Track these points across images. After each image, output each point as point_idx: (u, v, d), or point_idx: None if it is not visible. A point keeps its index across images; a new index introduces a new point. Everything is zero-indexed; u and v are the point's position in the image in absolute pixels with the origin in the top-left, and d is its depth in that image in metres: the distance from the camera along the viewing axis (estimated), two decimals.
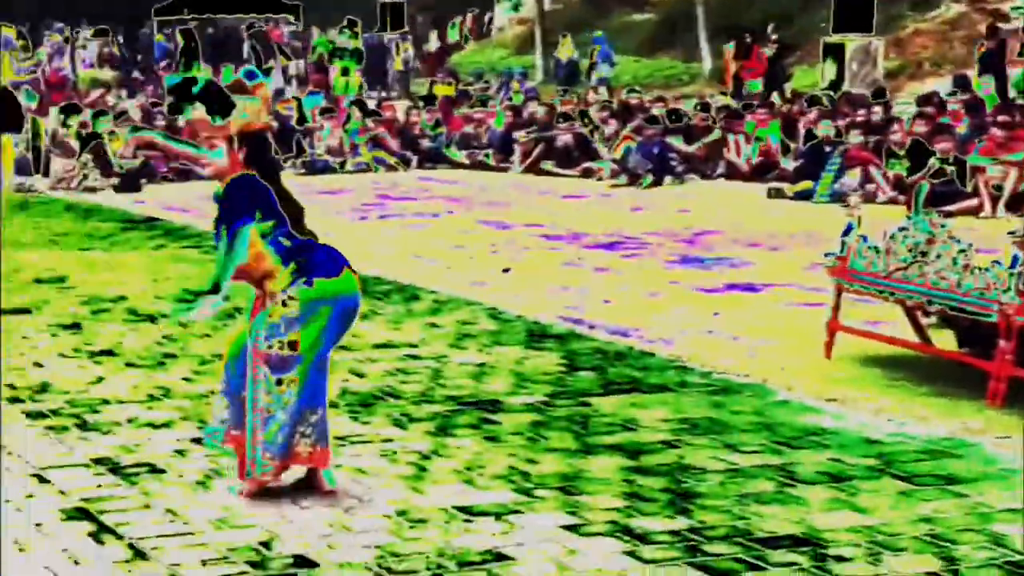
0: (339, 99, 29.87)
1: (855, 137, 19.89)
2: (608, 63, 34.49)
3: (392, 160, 24.20)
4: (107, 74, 39.12)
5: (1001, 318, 8.18)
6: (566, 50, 35.85)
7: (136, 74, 40.71)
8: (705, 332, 10.39)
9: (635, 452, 7.32)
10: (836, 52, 29.46)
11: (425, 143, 25.08)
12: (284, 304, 6.36)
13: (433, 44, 45.21)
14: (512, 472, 6.99)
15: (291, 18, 43.93)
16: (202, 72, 35.18)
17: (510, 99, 29.89)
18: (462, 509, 6.42)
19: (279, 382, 6.41)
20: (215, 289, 6.19)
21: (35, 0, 46.82)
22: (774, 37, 31.26)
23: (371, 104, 28.20)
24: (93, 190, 20.50)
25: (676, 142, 22.37)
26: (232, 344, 6.63)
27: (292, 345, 6.37)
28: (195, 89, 6.34)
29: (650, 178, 21.03)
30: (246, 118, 6.38)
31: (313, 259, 6.40)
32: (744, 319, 10.84)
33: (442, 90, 31.12)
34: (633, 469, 7.03)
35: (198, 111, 6.35)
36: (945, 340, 9.27)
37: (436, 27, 45.64)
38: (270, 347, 6.38)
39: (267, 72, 31.27)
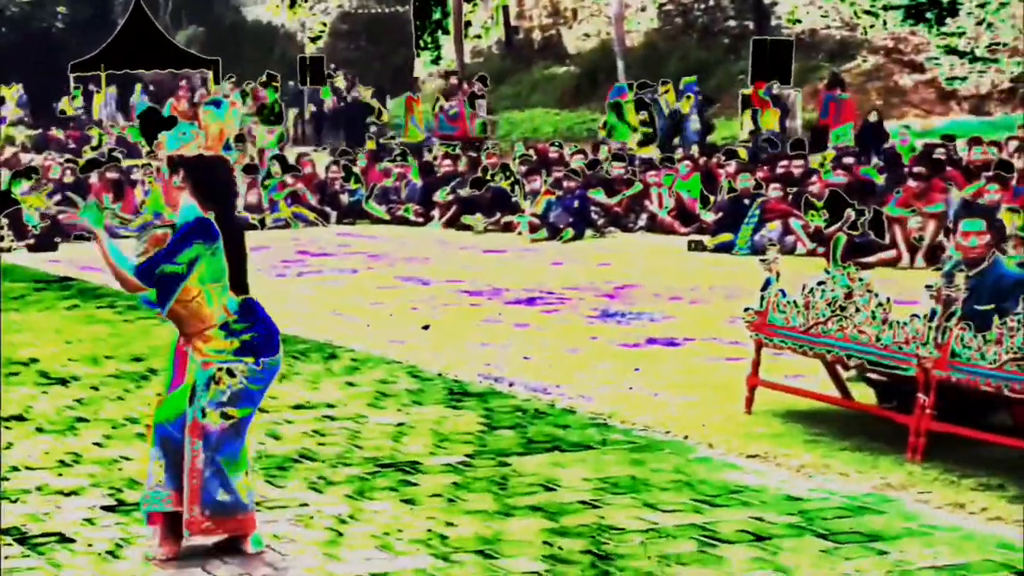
0: (262, 153, 29.70)
1: (774, 190, 19.99)
2: (700, 114, 30.86)
3: (311, 216, 24.06)
4: (21, 132, 38.73)
5: (920, 372, 8.16)
6: (668, 97, 31.25)
7: (52, 130, 40.32)
8: (626, 388, 10.32)
9: (555, 513, 7.23)
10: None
11: (344, 198, 24.96)
12: (229, 374, 6.26)
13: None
14: (431, 536, 6.87)
15: (208, 73, 43.75)
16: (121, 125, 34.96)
17: (430, 152, 29.82)
18: None
19: (211, 449, 6.30)
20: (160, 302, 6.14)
21: None
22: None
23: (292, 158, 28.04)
24: (6, 250, 20.23)
25: (597, 195, 22.40)
26: (163, 408, 6.47)
27: (229, 418, 6.29)
28: (137, 114, 6.39)
29: (571, 232, 21.03)
30: (179, 143, 6.28)
31: (257, 338, 6.32)
32: (665, 374, 10.78)
33: (369, 145, 31.00)
34: (553, 531, 6.93)
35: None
36: (865, 394, 9.25)
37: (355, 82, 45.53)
38: (218, 418, 6.29)
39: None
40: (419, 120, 34.34)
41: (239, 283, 6.39)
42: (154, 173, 6.46)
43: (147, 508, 6.53)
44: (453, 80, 36.85)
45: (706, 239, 19.96)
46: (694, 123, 30.07)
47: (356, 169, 26.10)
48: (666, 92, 30.47)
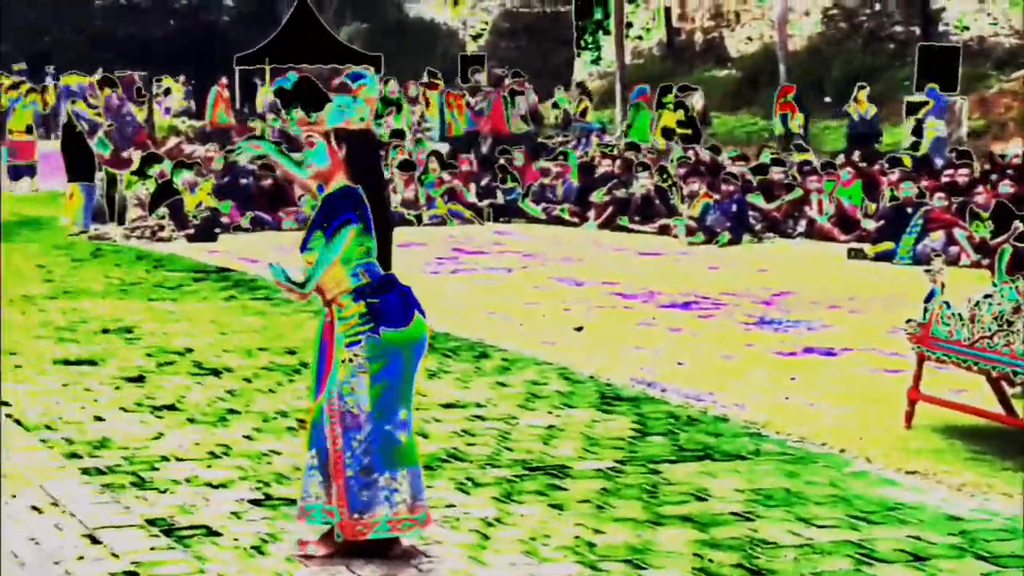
0: (416, 153, 29.77)
1: (938, 200, 19.56)
2: (941, 119, 29.22)
3: (467, 213, 24.07)
4: (185, 123, 39.31)
5: None
6: (861, 106, 30.41)
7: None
8: (781, 397, 10.10)
9: (706, 524, 7.06)
10: (920, 111, 29.06)
11: (501, 196, 24.93)
12: (351, 360, 6.16)
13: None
14: (578, 543, 6.74)
15: (371, 69, 44.02)
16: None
17: (587, 153, 29.66)
18: None
19: (353, 440, 6.19)
20: (303, 284, 6.02)
21: (113, 48, 47.35)
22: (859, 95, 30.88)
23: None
24: (167, 240, 20.48)
25: (755, 200, 22.11)
26: (315, 411, 6.39)
27: (360, 403, 6.16)
28: (288, 85, 6.23)
29: (728, 236, 20.77)
30: (343, 116, 6.20)
31: (385, 304, 6.16)
32: (822, 385, 10.53)
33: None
34: (704, 542, 6.76)
35: (299, 111, 6.21)
36: None
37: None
38: (344, 405, 6.18)
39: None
40: (459, 115, 34.17)
41: (383, 258, 6.28)
42: (304, 144, 6.27)
43: (310, 520, 6.44)
44: (478, 77, 36.75)
45: (866, 247, 19.58)
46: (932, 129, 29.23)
47: (512, 168, 26.04)
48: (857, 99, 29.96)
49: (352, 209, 6.08)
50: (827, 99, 30.21)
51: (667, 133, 31.00)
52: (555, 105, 37.63)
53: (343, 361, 6.18)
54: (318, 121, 6.20)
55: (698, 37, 42.14)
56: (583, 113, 35.68)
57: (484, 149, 30.68)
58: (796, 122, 31.29)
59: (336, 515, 6.28)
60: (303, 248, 6.20)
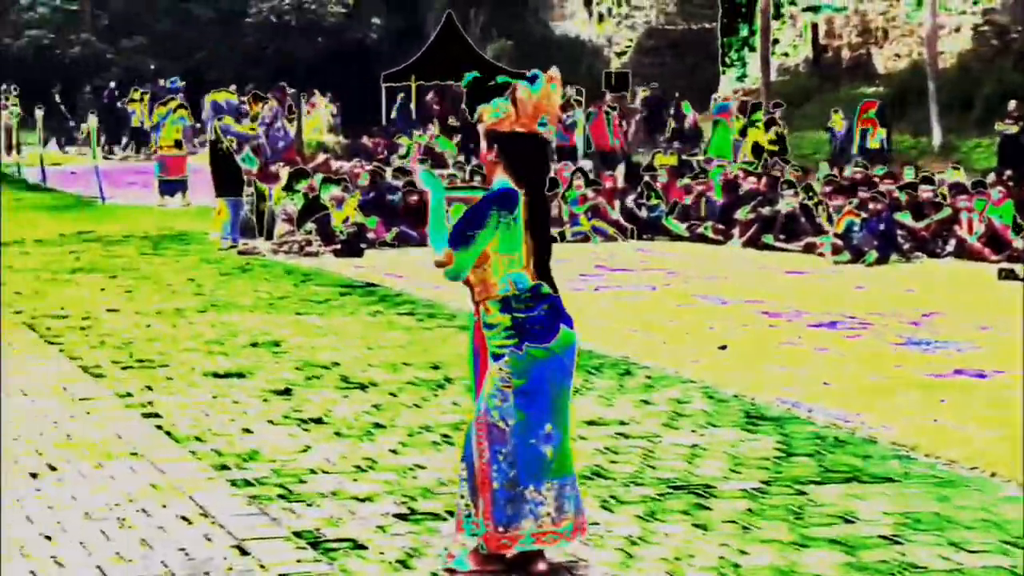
0: (559, 169, 29.81)
1: None
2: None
3: (611, 230, 24.03)
4: (332, 138, 39.75)
5: None
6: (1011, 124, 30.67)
7: (364, 139, 41.32)
8: (931, 419, 9.94)
9: (854, 547, 6.96)
10: None
11: (644, 214, 24.86)
12: (496, 373, 6.17)
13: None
14: (723, 563, 6.69)
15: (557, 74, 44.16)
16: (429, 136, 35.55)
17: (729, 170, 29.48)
18: None
19: (499, 454, 6.20)
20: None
21: (263, 65, 48.02)
22: (1014, 112, 30.47)
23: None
24: (314, 255, 20.70)
25: (904, 218, 21.81)
26: (468, 426, 6.43)
27: (506, 417, 6.17)
28: (463, 84, 6.33)
29: (875, 255, 20.50)
30: (495, 117, 6.23)
31: (531, 320, 6.17)
32: (972, 407, 10.34)
33: (663, 160, 30.89)
34: (852, 566, 6.68)
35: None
36: None
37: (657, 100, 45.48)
38: (490, 418, 6.20)
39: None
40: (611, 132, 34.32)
41: (541, 267, 6.28)
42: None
43: (463, 534, 6.45)
44: (570, 92, 36.83)
45: (1018, 268, 19.20)
46: None
47: (656, 185, 25.96)
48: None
49: (496, 205, 6.13)
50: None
51: (757, 150, 30.80)
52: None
53: (491, 375, 6.20)
54: (477, 121, 6.30)
55: (845, 54, 41.70)
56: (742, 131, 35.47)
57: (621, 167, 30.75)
58: (877, 138, 31.07)
59: (481, 527, 6.29)
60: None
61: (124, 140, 46.57)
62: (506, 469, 6.21)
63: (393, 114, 43.57)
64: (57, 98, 47.73)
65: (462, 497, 6.38)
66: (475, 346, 6.35)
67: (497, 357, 6.17)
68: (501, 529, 6.24)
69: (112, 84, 48.30)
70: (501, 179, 6.24)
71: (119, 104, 46.79)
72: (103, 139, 43.04)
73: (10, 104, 43.83)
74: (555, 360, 6.20)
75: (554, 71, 6.39)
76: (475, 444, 6.26)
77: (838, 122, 34.90)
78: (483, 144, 6.32)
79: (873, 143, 31.76)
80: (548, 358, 6.17)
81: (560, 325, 6.23)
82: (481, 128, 6.32)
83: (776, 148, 31.39)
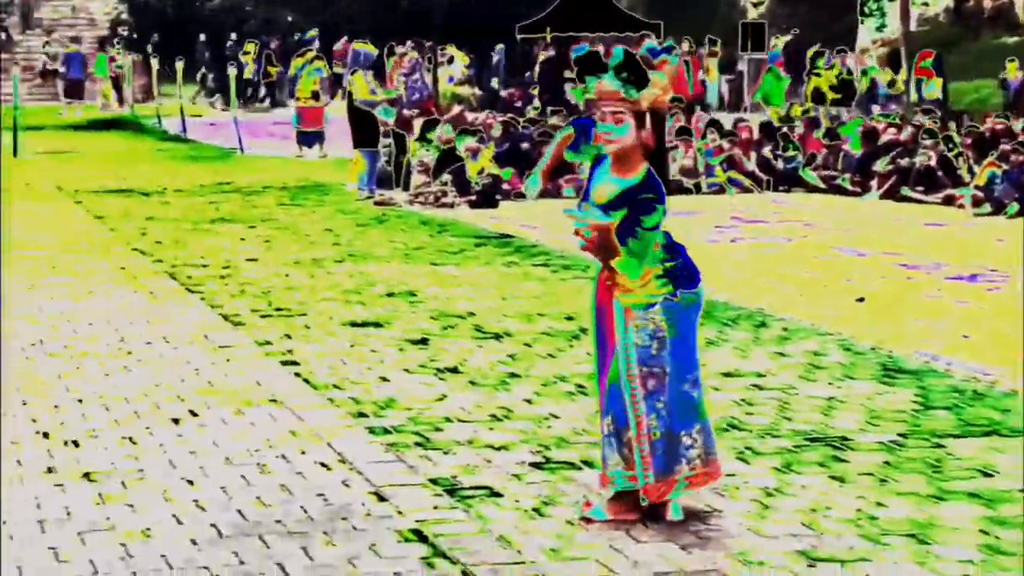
0: (695, 120, 29.64)
1: None
2: None
3: (747, 182, 23.85)
4: (467, 90, 39.84)
5: None
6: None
7: (501, 90, 41.43)
8: None
9: (992, 500, 6.88)
10: None
11: (780, 165, 24.64)
12: (648, 324, 6.18)
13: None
14: (860, 516, 6.65)
15: (652, 35, 44.00)
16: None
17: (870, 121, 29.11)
18: (804, 554, 6.12)
19: (657, 403, 6.22)
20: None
21: (398, 17, 48.16)
22: None
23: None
24: (450, 206, 20.79)
25: None
26: (608, 377, 6.42)
27: (664, 364, 6.20)
28: (612, 61, 6.18)
29: (1016, 207, 20.13)
30: (656, 93, 6.19)
31: (680, 267, 6.19)
32: None
33: (798, 111, 30.58)
34: (991, 519, 6.60)
35: (606, 83, 6.16)
36: None
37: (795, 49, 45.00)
38: (644, 369, 6.21)
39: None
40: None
41: None
42: (602, 118, 6.22)
43: (612, 487, 6.47)
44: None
45: None
46: None
47: (793, 136, 25.72)
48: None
49: (659, 202, 6.11)
50: None
51: (818, 96, 30.26)
52: (864, 73, 36.98)
53: (637, 326, 6.20)
54: (637, 99, 6.15)
55: (986, 3, 40.93)
56: (891, 83, 34.97)
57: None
58: (931, 87, 30.49)
59: (640, 480, 6.32)
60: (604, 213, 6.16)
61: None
62: (665, 417, 6.25)
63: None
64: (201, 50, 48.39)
65: (612, 452, 6.39)
66: (598, 302, 6.37)
67: (648, 307, 6.17)
68: (661, 478, 6.29)
69: (233, 36, 48.79)
70: (636, 157, 6.16)
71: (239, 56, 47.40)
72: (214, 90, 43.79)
73: (118, 56, 44.59)
74: (699, 305, 6.29)
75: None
76: (628, 397, 6.27)
77: (1012, 71, 33.97)
78: (632, 123, 6.16)
79: (928, 92, 31.22)
80: (695, 303, 6.25)
81: (698, 271, 6.29)
82: (628, 106, 6.14)
83: (839, 95, 30.88)
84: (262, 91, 45.88)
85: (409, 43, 41.19)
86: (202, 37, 48.93)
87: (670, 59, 6.60)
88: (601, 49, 6.45)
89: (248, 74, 45.86)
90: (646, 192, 6.11)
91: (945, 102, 32.23)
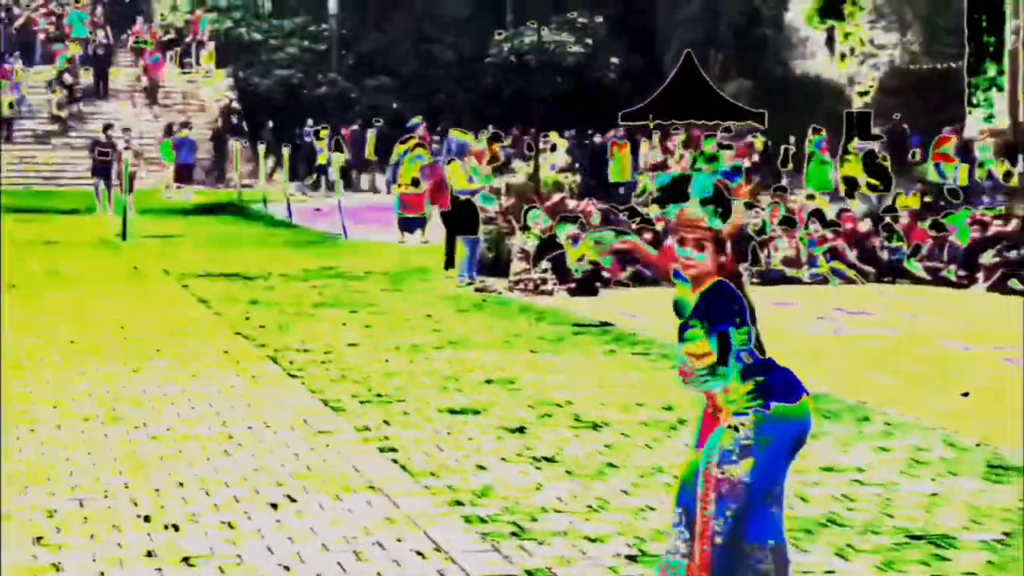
0: (798, 210, 29.51)
1: None
2: None
3: (850, 272, 23.68)
4: (568, 178, 39.98)
5: None
6: None
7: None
8: None
9: None
10: None
11: (884, 256, 24.45)
12: (736, 429, 6.09)
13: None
14: None
15: (757, 125, 43.98)
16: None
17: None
18: None
19: (726, 510, 6.12)
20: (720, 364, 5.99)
21: (502, 104, 48.58)
22: None
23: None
24: (549, 293, 20.81)
25: None
26: (686, 469, 6.36)
27: (742, 475, 6.08)
28: (698, 193, 6.13)
29: None
30: (737, 221, 6.17)
31: (772, 381, 6.10)
32: None
33: (905, 202, 30.39)
34: None
35: (693, 210, 6.14)
36: None
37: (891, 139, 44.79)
38: (722, 473, 6.12)
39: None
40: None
41: (759, 347, 6.21)
42: (681, 242, 6.19)
43: (669, 573, 6.40)
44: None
45: None
46: None
47: (898, 227, 25.54)
48: None
49: (735, 315, 6.04)
50: None
51: (851, 183, 29.92)
52: (980, 164, 36.70)
53: (730, 427, 6.12)
54: (721, 229, 6.13)
55: None
56: (1006, 176, 34.64)
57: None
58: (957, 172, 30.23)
59: None
60: (681, 338, 6.15)
61: (312, 177, 48.05)
62: (732, 523, 6.11)
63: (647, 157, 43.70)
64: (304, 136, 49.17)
65: (675, 543, 6.30)
66: (705, 414, 6.30)
67: (740, 415, 6.09)
68: None
69: (310, 122, 49.58)
70: (712, 280, 6.16)
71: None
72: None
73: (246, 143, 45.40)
74: (797, 422, 6.10)
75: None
76: (700, 495, 6.18)
77: None
78: (727, 247, 6.16)
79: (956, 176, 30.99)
80: (792, 418, 6.07)
81: (802, 391, 6.14)
82: (709, 234, 6.15)
83: (877, 182, 30.60)
84: (331, 176, 46.70)
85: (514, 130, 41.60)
86: (309, 123, 49.65)
87: (742, 183, 6.68)
88: (685, 174, 6.37)
89: (323, 160, 46.59)
90: (721, 302, 6.06)
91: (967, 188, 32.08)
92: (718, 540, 6.08)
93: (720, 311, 5.99)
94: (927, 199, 29.61)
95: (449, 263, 23.42)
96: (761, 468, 6.04)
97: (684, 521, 6.25)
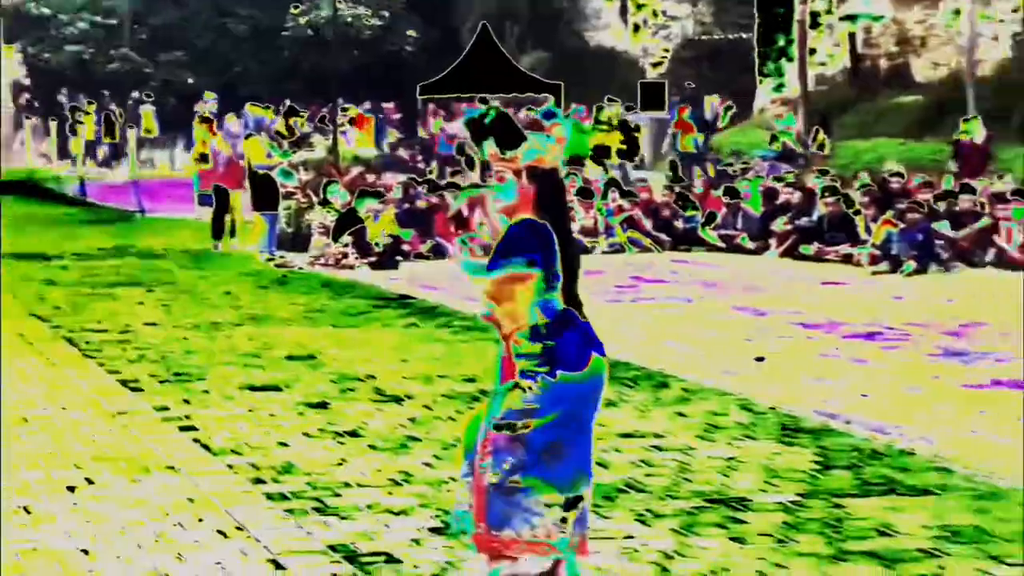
0: (594, 180, 29.78)
1: None
2: None
3: (646, 242, 24.00)
4: (369, 152, 39.83)
5: None
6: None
7: (400, 151, 41.45)
8: (969, 431, 9.88)
9: (892, 560, 6.91)
10: None
11: (680, 225, 24.81)
12: (524, 389, 6.12)
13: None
14: None
15: (551, 97, 44.26)
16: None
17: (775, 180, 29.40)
18: None
19: (503, 463, 6.14)
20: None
21: (300, 78, 48.21)
22: None
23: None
24: (350, 267, 20.74)
25: (942, 228, 21.70)
26: (469, 427, 6.40)
27: (521, 432, 6.11)
28: (487, 120, 6.17)
29: (913, 265, 20.41)
30: (536, 155, 6.17)
31: (561, 347, 6.13)
32: (1011, 419, 10.27)
33: (700, 173, 30.84)
34: None
35: (491, 145, 6.18)
36: None
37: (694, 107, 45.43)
38: (503, 429, 6.15)
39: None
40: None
41: (568, 293, 6.23)
42: (494, 179, 6.23)
43: (456, 526, 6.43)
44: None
45: None
46: None
47: (692, 195, 25.93)
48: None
49: (537, 248, 6.05)
50: None
51: (602, 151, 30.49)
52: (774, 138, 37.17)
53: (517, 386, 6.15)
54: (512, 158, 6.16)
55: (883, 63, 41.55)
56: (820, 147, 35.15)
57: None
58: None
59: (471, 526, 6.25)
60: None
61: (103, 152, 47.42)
62: (507, 473, 6.14)
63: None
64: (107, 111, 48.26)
65: (462, 493, 6.34)
66: (502, 374, 6.31)
67: (529, 376, 6.12)
68: (494, 532, 6.17)
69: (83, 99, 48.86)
70: (524, 214, 6.18)
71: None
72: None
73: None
74: (584, 386, 6.14)
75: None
76: (479, 444, 6.21)
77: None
78: (522, 181, 6.19)
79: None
80: (578, 384, 6.12)
81: (591, 352, 6.16)
82: (508, 165, 6.19)
83: (625, 148, 31.24)
84: (104, 151, 46.03)
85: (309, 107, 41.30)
86: (83, 100, 48.76)
87: (562, 123, 6.62)
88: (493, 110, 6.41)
89: (90, 135, 45.93)
90: (523, 233, 6.09)
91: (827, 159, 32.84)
92: (492, 490, 6.12)
93: (515, 245, 6.04)
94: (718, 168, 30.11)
95: (217, 234, 23.45)
96: (543, 429, 6.08)
97: (469, 471, 6.29)
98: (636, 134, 33.34)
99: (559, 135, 6.20)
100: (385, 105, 46.13)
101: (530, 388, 6.07)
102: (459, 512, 6.36)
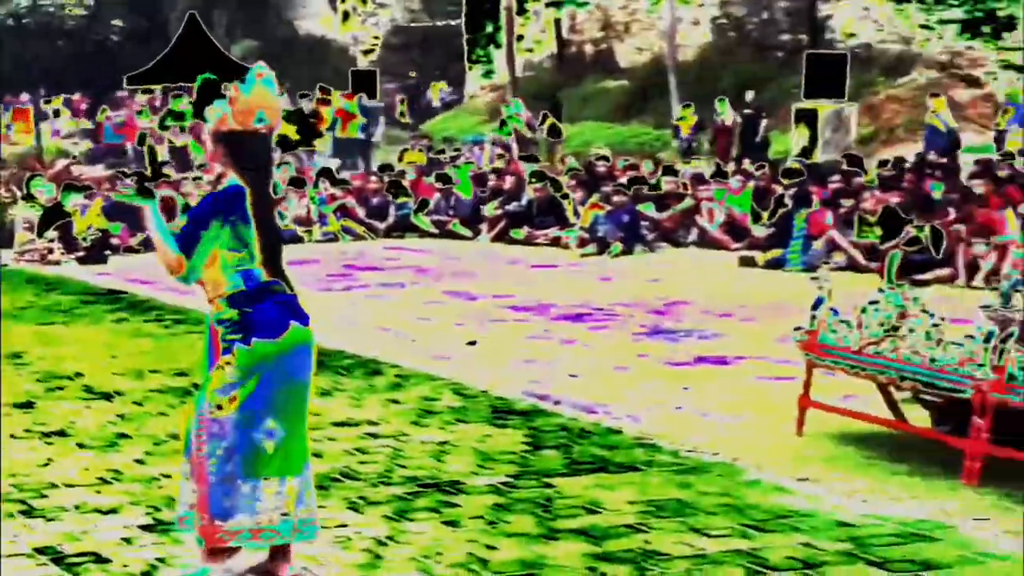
0: (306, 169, 29.61)
1: (816, 204, 19.78)
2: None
3: (360, 229, 23.98)
4: (76, 145, 38.86)
5: (976, 395, 7.95)
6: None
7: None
8: (674, 408, 10.16)
9: (600, 537, 7.07)
10: (808, 118, 29.50)
11: (392, 211, 24.84)
12: (224, 368, 6.10)
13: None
14: (471, 559, 6.73)
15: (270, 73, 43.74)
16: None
17: (485, 164, 29.68)
18: None
19: (217, 449, 6.11)
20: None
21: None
22: (752, 102, 31.57)
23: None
24: (56, 263, 20.23)
25: (647, 209, 22.22)
26: (188, 422, 6.33)
27: (231, 411, 6.08)
28: (195, 88, 6.31)
29: (619, 247, 20.85)
30: (216, 118, 6.21)
31: (256, 314, 6.11)
32: (714, 394, 10.61)
33: (412, 157, 30.96)
34: (597, 556, 6.78)
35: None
36: (921, 416, 9.04)
37: (407, 94, 45.63)
38: (211, 412, 6.11)
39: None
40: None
41: (272, 263, 6.21)
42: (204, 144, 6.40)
43: (186, 529, 6.37)
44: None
45: (757, 255, 19.75)
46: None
47: (405, 182, 26.00)
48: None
49: (221, 205, 6.10)
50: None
51: (284, 143, 30.94)
52: (503, 124, 37.38)
53: (218, 367, 6.13)
54: (204, 122, 6.28)
55: (588, 48, 42.33)
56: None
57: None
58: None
59: (197, 519, 6.21)
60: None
61: None
62: (224, 462, 6.12)
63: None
64: None
65: (184, 495, 6.29)
66: (210, 344, 6.27)
67: (227, 351, 6.12)
68: (218, 522, 6.15)
69: None
70: (231, 179, 6.20)
71: None
72: None
73: None
74: (284, 356, 6.14)
75: (262, 66, 6.39)
76: (194, 438, 6.18)
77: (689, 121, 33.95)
78: (209, 145, 6.31)
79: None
80: (276, 353, 6.11)
81: (291, 321, 6.16)
82: (207, 130, 6.30)
83: (299, 138, 31.86)
84: None
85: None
86: None
87: (240, 87, 6.64)
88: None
89: None
90: (210, 197, 6.21)
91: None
92: (212, 480, 6.09)
93: (201, 206, 6.15)
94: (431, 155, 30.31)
95: None
96: (246, 405, 6.07)
97: (190, 470, 6.25)
98: (313, 121, 33.40)
99: (233, 95, 6.26)
100: (73, 97, 45.05)
101: (228, 363, 6.06)
102: (184, 512, 6.29)
